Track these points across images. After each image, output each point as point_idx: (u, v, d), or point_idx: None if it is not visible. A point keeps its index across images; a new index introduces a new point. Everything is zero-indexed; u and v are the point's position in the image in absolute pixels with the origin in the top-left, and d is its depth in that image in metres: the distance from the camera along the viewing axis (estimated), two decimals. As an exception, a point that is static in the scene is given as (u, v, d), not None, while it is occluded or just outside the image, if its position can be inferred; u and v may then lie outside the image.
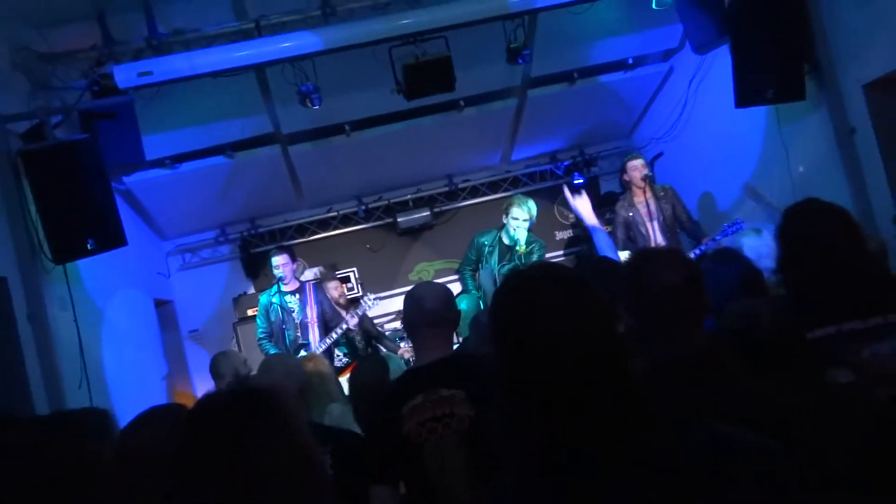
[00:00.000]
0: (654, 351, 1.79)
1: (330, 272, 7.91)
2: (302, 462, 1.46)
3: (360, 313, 6.40)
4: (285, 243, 8.45)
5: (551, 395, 1.24)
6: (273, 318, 6.31)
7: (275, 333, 6.26)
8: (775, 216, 3.90)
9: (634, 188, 6.43)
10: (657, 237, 6.31)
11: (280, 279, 6.28)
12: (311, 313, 6.27)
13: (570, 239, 8.94)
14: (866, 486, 1.50)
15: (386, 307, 8.14)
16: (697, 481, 1.15)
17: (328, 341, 6.26)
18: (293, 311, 6.25)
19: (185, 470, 1.43)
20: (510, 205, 6.26)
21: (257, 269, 8.47)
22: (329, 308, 6.49)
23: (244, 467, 1.40)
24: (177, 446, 1.47)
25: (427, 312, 2.54)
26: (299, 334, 6.22)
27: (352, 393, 4.01)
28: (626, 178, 6.46)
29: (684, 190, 6.84)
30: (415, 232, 8.75)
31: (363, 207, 8.56)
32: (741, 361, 1.76)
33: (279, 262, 6.29)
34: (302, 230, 8.69)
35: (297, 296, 6.34)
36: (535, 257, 6.18)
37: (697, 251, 5.96)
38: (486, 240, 6.38)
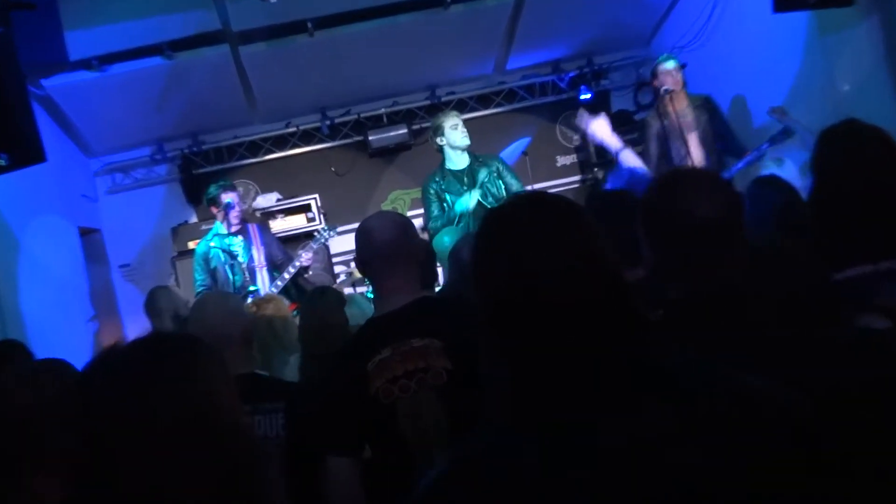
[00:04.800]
0: (678, 291, 1.83)
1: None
2: (211, 429, 1.45)
3: (315, 247, 6.55)
4: (235, 163, 8.68)
5: (538, 347, 1.28)
6: (215, 265, 6.46)
7: (218, 282, 6.42)
8: (809, 141, 3.93)
9: (668, 96, 6.44)
10: (695, 152, 6.41)
11: (227, 218, 6.43)
12: (259, 256, 6.44)
13: (573, 165, 9.04)
14: None
15: (348, 244, 8.02)
16: (708, 447, 1.18)
17: (280, 284, 6.41)
18: (237, 255, 6.43)
19: (74, 438, 1.45)
20: (438, 123, 6.30)
21: (200, 194, 8.33)
22: (279, 250, 6.68)
23: (135, 435, 1.41)
24: (65, 408, 1.49)
25: (380, 246, 2.57)
26: (248, 279, 6.40)
27: (299, 339, 4.06)
28: (656, 83, 6.50)
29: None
30: (389, 153, 8.82)
31: (328, 123, 8.60)
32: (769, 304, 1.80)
33: (232, 199, 6.42)
34: (254, 148, 8.77)
35: (241, 237, 6.49)
36: (510, 180, 6.21)
37: (734, 169, 6.13)
38: (433, 178, 6.38)
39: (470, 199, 6.00)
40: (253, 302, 4.51)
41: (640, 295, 1.34)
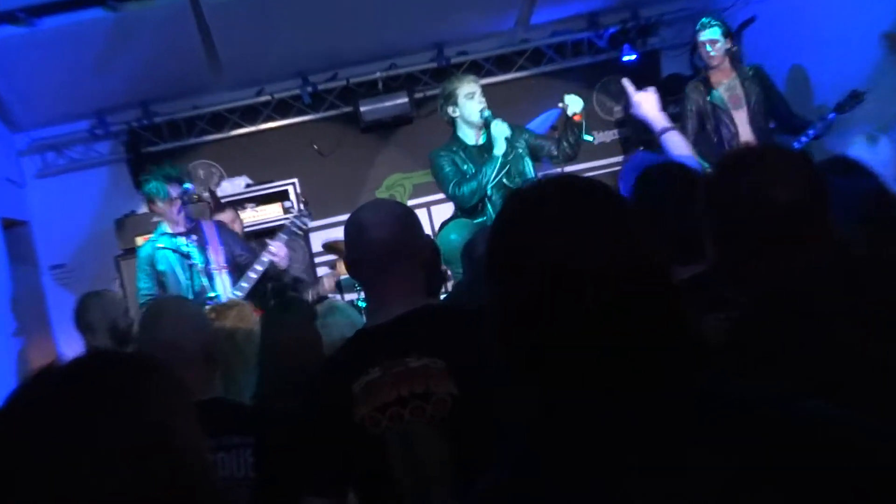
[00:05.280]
0: (745, 292, 1.86)
1: (210, 199, 8.10)
2: (166, 473, 1.43)
3: (286, 238, 6.57)
4: (194, 140, 8.75)
5: (569, 362, 1.31)
6: (164, 269, 6.57)
7: (167, 290, 6.51)
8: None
9: (712, 67, 6.69)
10: (744, 132, 6.56)
11: (172, 218, 6.57)
12: (217, 257, 6.56)
13: (613, 144, 9.09)
14: None
15: (334, 240, 7.92)
16: (775, 483, 1.20)
17: (245, 286, 6.47)
18: (191, 257, 6.53)
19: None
20: (451, 90, 6.37)
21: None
22: (243, 248, 6.79)
23: (69, 486, 1.36)
24: None
25: (374, 244, 2.60)
26: (206, 284, 6.49)
27: (260, 358, 4.08)
28: (699, 52, 6.77)
29: (779, 72, 7.07)
30: (386, 128, 8.91)
31: (310, 90, 8.73)
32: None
33: (176, 192, 6.53)
34: (218, 122, 8.84)
35: (194, 237, 6.58)
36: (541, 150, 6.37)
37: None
38: (444, 148, 6.48)
39: (504, 128, 6.03)
40: (211, 309, 4.53)
41: (697, 296, 1.41)
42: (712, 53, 6.62)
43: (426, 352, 2.48)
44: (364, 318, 5.44)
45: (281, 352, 3.95)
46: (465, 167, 6.19)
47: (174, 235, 6.55)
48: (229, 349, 4.00)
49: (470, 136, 6.36)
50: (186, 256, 6.45)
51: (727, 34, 6.64)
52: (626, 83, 4.69)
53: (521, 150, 6.22)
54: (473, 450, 1.91)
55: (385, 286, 2.62)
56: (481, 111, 6.15)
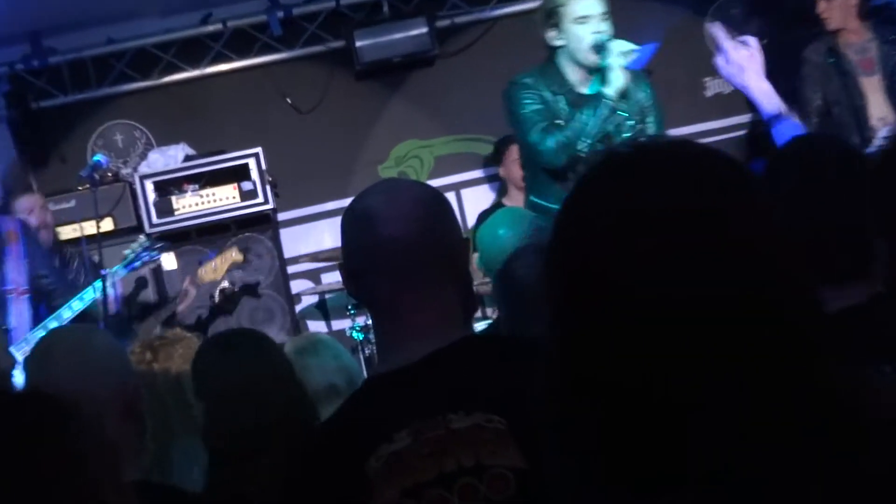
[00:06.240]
0: None
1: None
2: None
3: (123, 274, 6.34)
4: (108, 90, 8.09)
5: (673, 418, 1.20)
6: None
7: None
8: None
9: (839, 25, 6.47)
10: (875, 104, 6.36)
11: None
12: (17, 276, 6.19)
13: (733, 98, 8.08)
14: None
15: (316, 239, 7.96)
16: None
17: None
18: None
19: None
20: (553, 5, 5.83)
21: (45, 146, 8.03)
22: (49, 267, 6.39)
23: None
24: None
25: (389, 247, 2.31)
26: None
27: (202, 431, 3.72)
28: (821, 6, 6.46)
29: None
30: (394, 73, 8.21)
31: (280, 15, 7.98)
32: None
33: None
34: (145, 63, 8.16)
35: None
36: (648, 116, 5.92)
37: None
38: (533, 75, 5.91)
39: (625, 53, 5.54)
40: (144, 345, 4.27)
41: (858, 335, 1.43)
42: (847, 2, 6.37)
43: (476, 405, 2.21)
44: (367, 357, 6.28)
45: (237, 405, 3.57)
46: (560, 105, 5.78)
47: None
48: (173, 403, 3.88)
49: (575, 77, 5.76)
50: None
51: None
52: (717, 30, 4.38)
53: (645, 102, 5.83)
54: None
55: (407, 309, 2.33)
56: (595, 37, 5.62)
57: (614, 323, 1.20)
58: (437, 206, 2.45)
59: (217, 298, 7.08)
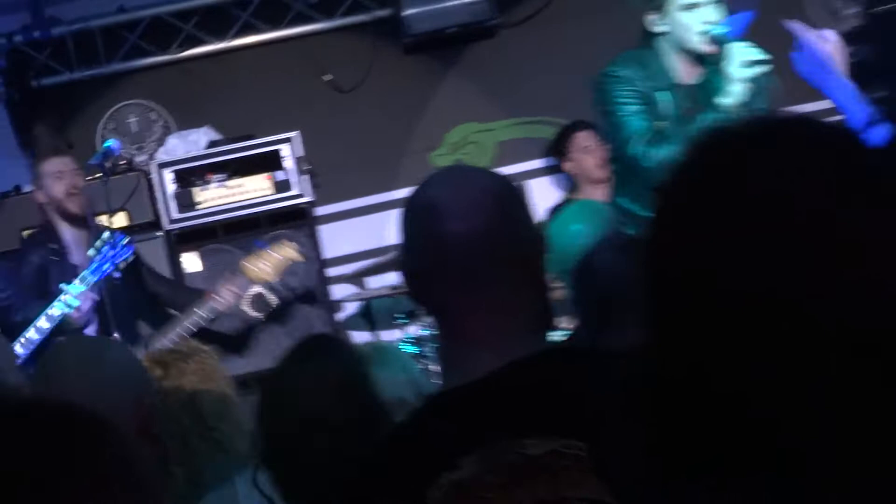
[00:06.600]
0: None
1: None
2: None
3: (87, 287, 6.14)
4: (120, 65, 7.85)
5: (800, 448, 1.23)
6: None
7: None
8: None
9: None
10: None
11: None
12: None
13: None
14: None
15: (360, 237, 7.76)
16: None
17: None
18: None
19: None
20: None
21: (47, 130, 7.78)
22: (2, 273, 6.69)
23: None
24: None
25: (456, 245, 2.25)
26: None
27: (257, 446, 3.41)
28: None
29: None
30: (448, 44, 7.97)
31: None
32: None
33: None
34: (163, 34, 7.91)
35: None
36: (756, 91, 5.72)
37: None
38: (626, 73, 5.71)
39: (750, 53, 5.39)
40: (152, 358, 3.97)
41: None
42: None
43: (553, 428, 2.07)
44: (429, 370, 6.04)
45: (302, 429, 3.28)
46: (658, 112, 5.66)
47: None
48: (189, 425, 3.70)
49: (679, 68, 5.67)
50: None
51: None
52: (796, 24, 4.28)
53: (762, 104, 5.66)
54: None
55: (476, 316, 2.26)
56: (706, 28, 5.50)
57: (730, 324, 1.19)
58: (510, 198, 2.37)
59: (250, 305, 6.60)
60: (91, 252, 6.00)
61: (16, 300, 6.15)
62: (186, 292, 6.49)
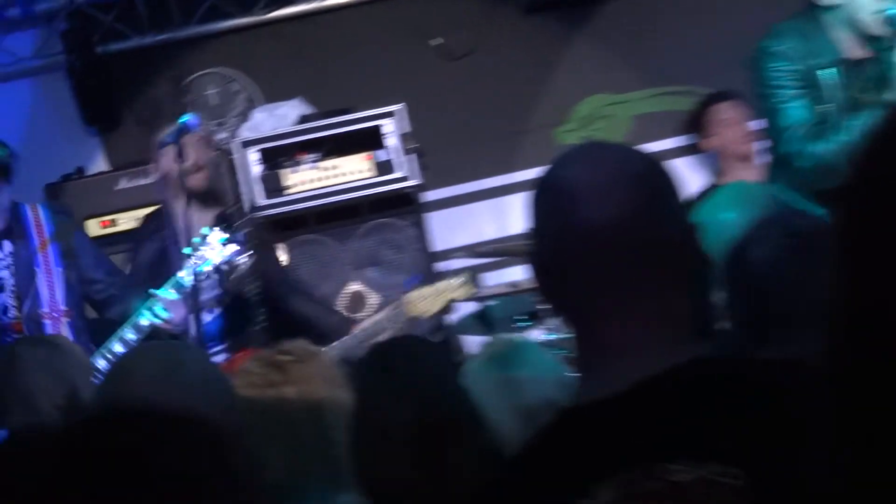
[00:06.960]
0: None
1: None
2: None
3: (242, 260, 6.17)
4: (198, 28, 7.72)
5: None
6: None
7: None
8: None
9: None
10: None
11: None
12: (50, 290, 6.08)
13: None
14: None
15: (474, 227, 7.55)
16: None
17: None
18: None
19: None
20: None
21: (114, 102, 7.60)
22: (105, 268, 6.30)
23: None
24: None
25: (595, 234, 2.14)
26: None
27: (355, 456, 3.35)
28: None
29: None
30: (575, 4, 7.87)
31: None
32: None
33: None
34: None
35: (6, 246, 6.08)
36: None
37: None
38: (782, 45, 5.68)
39: None
40: (259, 360, 3.80)
41: None
42: None
43: (706, 452, 1.94)
44: (568, 378, 5.83)
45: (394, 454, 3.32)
46: (820, 95, 5.63)
47: None
48: (310, 438, 3.63)
49: (847, 45, 5.61)
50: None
51: None
52: None
53: None
54: None
55: (618, 319, 2.14)
56: (882, 6, 5.37)
57: None
58: (659, 181, 2.19)
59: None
60: (187, 251, 5.71)
61: (115, 292, 5.98)
62: (337, 317, 6.17)
